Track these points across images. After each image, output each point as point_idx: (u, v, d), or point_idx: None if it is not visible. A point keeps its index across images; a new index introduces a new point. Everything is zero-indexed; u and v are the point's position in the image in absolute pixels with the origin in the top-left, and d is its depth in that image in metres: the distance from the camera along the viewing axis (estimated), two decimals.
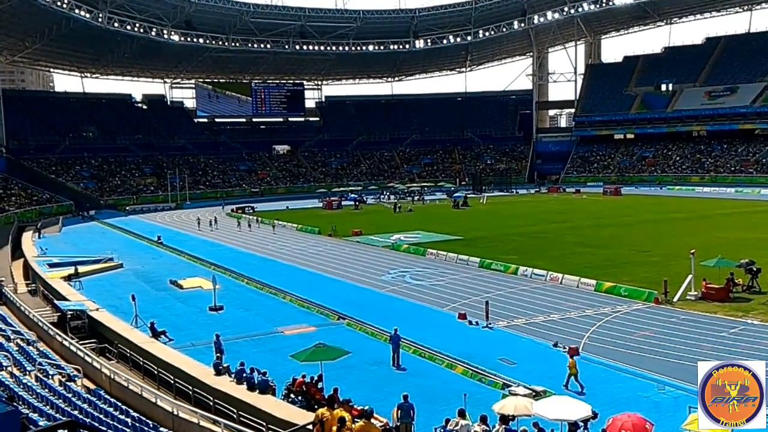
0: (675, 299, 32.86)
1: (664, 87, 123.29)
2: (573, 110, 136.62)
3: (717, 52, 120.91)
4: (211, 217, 75.87)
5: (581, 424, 16.42)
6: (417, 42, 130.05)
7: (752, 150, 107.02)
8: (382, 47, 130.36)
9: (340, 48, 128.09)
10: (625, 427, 15.09)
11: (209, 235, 66.31)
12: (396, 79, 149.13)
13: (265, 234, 65.62)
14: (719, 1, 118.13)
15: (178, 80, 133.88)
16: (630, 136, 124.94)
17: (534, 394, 20.55)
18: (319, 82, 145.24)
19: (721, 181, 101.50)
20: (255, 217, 76.66)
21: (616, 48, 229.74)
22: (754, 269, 34.48)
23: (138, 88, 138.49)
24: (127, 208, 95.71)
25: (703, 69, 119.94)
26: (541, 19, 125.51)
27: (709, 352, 24.98)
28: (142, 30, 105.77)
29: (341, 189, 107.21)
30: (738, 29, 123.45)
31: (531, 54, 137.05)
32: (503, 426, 15.22)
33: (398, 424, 17.81)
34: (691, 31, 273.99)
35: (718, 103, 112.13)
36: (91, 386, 20.95)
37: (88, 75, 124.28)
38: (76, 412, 16.39)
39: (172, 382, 21.24)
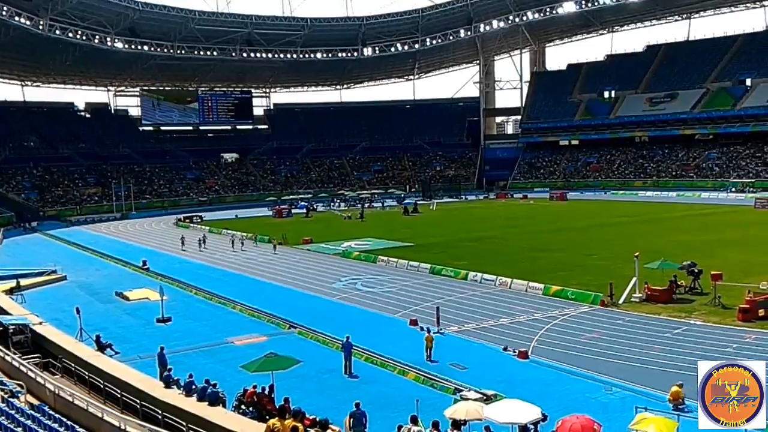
0: (620, 301, 33.58)
1: (606, 94, 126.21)
2: (519, 117, 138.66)
3: (657, 60, 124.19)
4: (199, 236, 65.97)
5: (531, 426, 16.62)
6: (365, 50, 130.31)
7: (692, 155, 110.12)
8: (330, 55, 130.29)
9: (288, 55, 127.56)
10: (574, 429, 15.33)
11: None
12: (345, 86, 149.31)
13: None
14: (659, 9, 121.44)
15: (122, 88, 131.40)
16: (575, 142, 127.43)
17: (485, 398, 20.73)
18: (268, 90, 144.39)
19: (663, 185, 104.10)
20: (251, 235, 65.12)
21: (560, 56, 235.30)
22: (696, 271, 35.42)
23: (81, 96, 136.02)
24: (71, 218, 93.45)
25: (644, 76, 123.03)
26: (487, 28, 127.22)
27: (654, 352, 25.60)
28: (84, 37, 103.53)
29: (291, 197, 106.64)
30: (678, 37, 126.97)
31: (477, 62, 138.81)
32: (455, 431, 15.31)
33: None
34: (633, 39, 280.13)
35: (659, 110, 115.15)
36: (35, 402, 20.36)
37: (29, 83, 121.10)
38: (19, 429, 15.94)
39: (119, 396, 20.76)
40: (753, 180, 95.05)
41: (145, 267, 51.01)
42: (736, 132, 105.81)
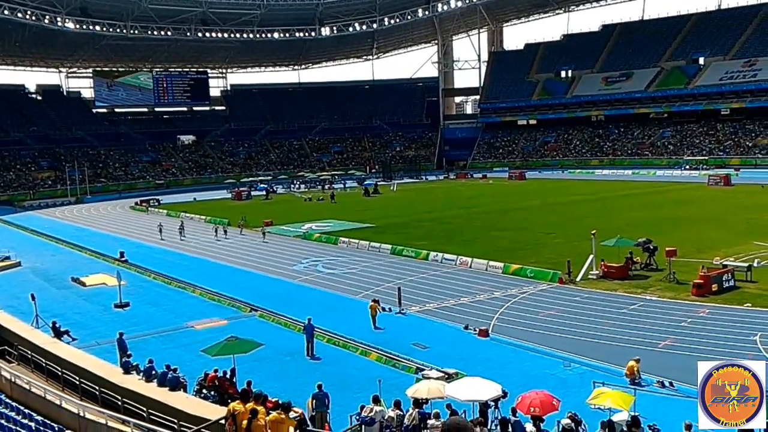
0: (578, 279, 34.09)
1: (563, 73, 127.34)
2: (478, 97, 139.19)
3: (613, 39, 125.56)
4: (178, 223, 60.32)
5: (492, 403, 16.81)
6: (323, 29, 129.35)
7: (647, 133, 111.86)
8: (287, 34, 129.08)
9: (245, 35, 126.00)
10: (533, 404, 15.57)
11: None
12: (303, 66, 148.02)
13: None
14: None
15: (75, 69, 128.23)
16: (533, 121, 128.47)
17: (446, 376, 20.92)
18: (224, 70, 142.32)
19: (618, 163, 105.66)
20: (241, 221, 58.47)
21: (517, 35, 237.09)
22: (651, 247, 36.11)
23: (32, 78, 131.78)
24: (24, 203, 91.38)
25: (600, 55, 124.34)
26: (445, 7, 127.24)
27: (611, 328, 26.10)
28: (34, 17, 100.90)
29: (250, 179, 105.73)
30: (632, 16, 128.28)
31: (436, 42, 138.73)
32: (416, 410, 15.42)
33: (314, 413, 17.80)
34: (589, 18, 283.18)
35: (615, 89, 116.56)
36: None
37: None
38: None
39: (78, 382, 20.48)
40: (706, 157, 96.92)
41: (123, 259, 46.52)
42: (690, 110, 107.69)
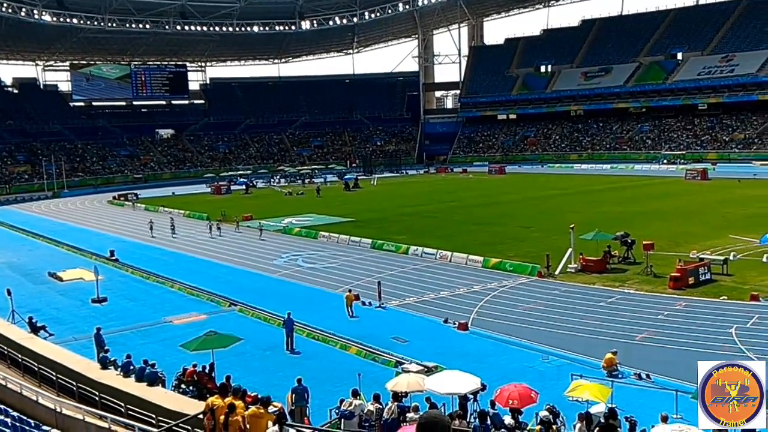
0: (557, 272, 34.31)
1: (543, 68, 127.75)
2: (458, 91, 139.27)
3: (592, 34, 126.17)
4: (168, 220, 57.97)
5: (471, 396, 16.90)
6: (303, 23, 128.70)
7: (626, 128, 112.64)
8: (267, 28, 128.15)
9: (224, 28, 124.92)
10: (512, 397, 15.69)
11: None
12: (283, 60, 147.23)
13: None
14: None
15: (51, 62, 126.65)
16: (512, 116, 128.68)
17: (426, 370, 20.97)
18: (203, 64, 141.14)
19: (597, 158, 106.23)
20: (235, 218, 56.94)
21: (498, 30, 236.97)
22: (629, 241, 36.43)
23: (7, 71, 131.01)
24: (0, 198, 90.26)
25: (579, 50, 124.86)
26: (426, 1, 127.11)
27: (589, 321, 26.30)
28: (10, 10, 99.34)
29: (230, 173, 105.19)
30: (611, 11, 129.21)
31: (416, 36, 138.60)
32: (396, 403, 15.46)
33: (293, 408, 17.78)
34: (568, 13, 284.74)
35: (594, 84, 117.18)
36: None
37: None
38: None
39: (55, 378, 20.31)
40: (683, 152, 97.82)
41: (114, 258, 44.55)
42: (668, 105, 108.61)
